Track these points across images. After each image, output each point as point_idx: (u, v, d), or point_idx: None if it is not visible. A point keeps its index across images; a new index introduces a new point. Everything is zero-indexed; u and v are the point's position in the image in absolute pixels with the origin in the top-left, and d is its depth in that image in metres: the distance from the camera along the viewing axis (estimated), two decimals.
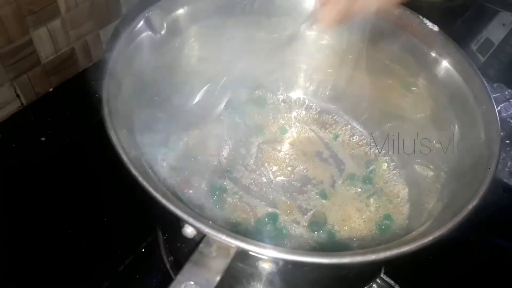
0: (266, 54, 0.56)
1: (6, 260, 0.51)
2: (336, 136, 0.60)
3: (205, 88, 0.57)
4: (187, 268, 0.29)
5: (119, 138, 0.33)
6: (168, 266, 0.51)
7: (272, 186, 0.55)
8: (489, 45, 0.86)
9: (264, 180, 0.55)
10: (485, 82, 0.71)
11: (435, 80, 0.48)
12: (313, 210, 0.53)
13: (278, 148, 0.59)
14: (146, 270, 0.52)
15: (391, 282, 0.50)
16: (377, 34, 0.51)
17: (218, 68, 0.55)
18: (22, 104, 0.67)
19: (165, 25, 0.46)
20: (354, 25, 0.52)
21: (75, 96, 0.68)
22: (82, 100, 0.60)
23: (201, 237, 0.30)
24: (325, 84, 0.60)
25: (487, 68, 0.83)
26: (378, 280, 0.50)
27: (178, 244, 0.42)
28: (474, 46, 0.85)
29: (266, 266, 0.31)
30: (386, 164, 0.57)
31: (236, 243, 0.29)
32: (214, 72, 0.56)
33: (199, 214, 0.30)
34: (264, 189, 0.54)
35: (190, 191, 0.50)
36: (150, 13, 0.44)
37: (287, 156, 0.58)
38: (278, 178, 0.56)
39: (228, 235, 0.29)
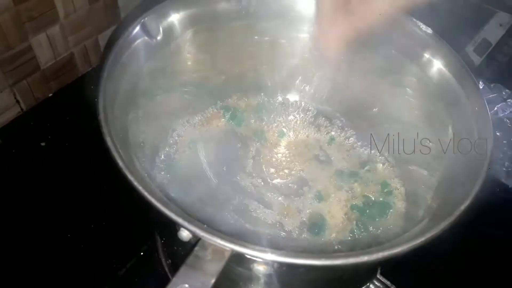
0: (261, 57, 0.57)
1: (7, 264, 0.52)
2: (332, 139, 0.61)
3: (201, 92, 0.58)
4: (183, 271, 0.30)
5: (115, 143, 0.34)
6: (166, 269, 0.52)
7: (269, 188, 0.55)
8: (486, 46, 0.86)
9: (261, 182, 0.56)
10: (481, 83, 0.71)
11: (428, 82, 0.48)
12: (310, 211, 0.53)
13: (275, 150, 0.59)
14: (145, 273, 0.53)
15: (387, 282, 0.50)
16: (371, 37, 0.51)
17: (215, 72, 0.56)
18: (22, 109, 0.67)
19: (161, 30, 0.46)
20: None
21: (75, 101, 0.69)
22: (81, 105, 0.60)
23: (196, 240, 0.31)
24: (321, 86, 0.61)
25: (484, 69, 0.83)
26: (374, 281, 0.50)
27: (175, 247, 0.42)
28: (471, 47, 0.85)
29: (261, 269, 0.32)
30: (381, 165, 0.57)
31: (231, 246, 0.29)
32: (210, 76, 0.57)
33: (194, 217, 0.31)
34: (262, 191, 0.55)
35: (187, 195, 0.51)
36: (146, 18, 0.44)
37: (284, 158, 0.59)
38: (275, 181, 0.56)
39: (222, 238, 0.29)
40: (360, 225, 0.51)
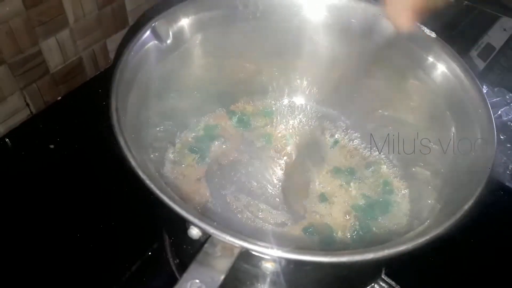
0: (268, 61, 0.58)
1: (17, 263, 0.52)
2: (336, 142, 0.61)
3: (210, 95, 0.58)
4: (193, 267, 0.30)
5: (127, 143, 0.34)
6: (174, 268, 0.52)
7: (276, 190, 0.56)
8: (490, 50, 0.87)
9: (267, 184, 0.56)
10: (484, 87, 0.72)
11: (432, 85, 0.49)
12: (315, 212, 0.54)
13: (281, 153, 0.60)
14: (153, 273, 0.53)
15: (392, 283, 0.51)
16: (377, 41, 0.52)
17: (223, 76, 0.57)
18: (31, 112, 0.68)
19: (171, 34, 0.47)
20: (352, 29, 0.53)
21: (83, 104, 0.70)
22: (90, 108, 0.62)
23: (206, 237, 0.32)
24: (326, 90, 0.61)
25: (488, 73, 0.84)
26: (379, 281, 0.50)
27: (184, 246, 0.43)
28: (475, 51, 0.85)
29: (269, 266, 0.32)
30: (385, 166, 0.58)
31: (240, 243, 0.30)
32: (218, 79, 0.58)
33: (204, 215, 0.31)
34: (269, 193, 0.56)
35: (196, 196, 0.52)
36: (156, 23, 0.45)
37: (290, 161, 0.59)
38: (282, 182, 0.57)
39: (232, 235, 0.30)
40: (363, 225, 0.51)
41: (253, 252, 0.31)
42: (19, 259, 0.53)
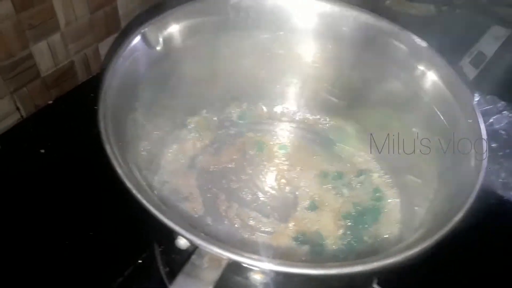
0: (259, 68, 0.58)
1: (4, 269, 0.52)
2: (329, 148, 0.61)
3: (201, 103, 0.58)
4: (180, 279, 0.30)
5: (114, 151, 0.34)
6: (164, 277, 0.52)
7: (267, 197, 0.56)
8: (482, 58, 0.87)
9: (258, 191, 0.56)
10: (476, 95, 0.72)
11: (423, 94, 0.49)
12: (305, 220, 0.54)
13: (273, 160, 0.60)
14: (143, 281, 0.53)
15: None
16: (367, 47, 0.52)
17: (213, 82, 0.57)
18: (22, 116, 0.68)
19: (161, 41, 0.47)
20: (344, 38, 0.53)
21: (75, 109, 0.69)
22: (81, 113, 0.61)
23: (193, 248, 0.31)
24: (318, 96, 0.61)
25: (480, 81, 0.84)
26: None
27: (173, 256, 0.42)
28: (467, 59, 0.86)
29: (258, 277, 0.32)
30: (377, 175, 0.58)
31: (227, 254, 0.29)
32: (209, 86, 0.57)
33: (192, 225, 0.31)
34: (260, 200, 0.55)
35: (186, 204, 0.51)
36: (146, 29, 0.45)
37: (282, 167, 0.59)
38: (273, 190, 0.57)
39: (219, 247, 0.29)
40: (355, 234, 0.51)
41: (242, 264, 0.30)
42: (7, 265, 0.52)
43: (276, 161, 0.60)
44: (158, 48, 0.47)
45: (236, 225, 0.52)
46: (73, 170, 0.62)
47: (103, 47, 0.74)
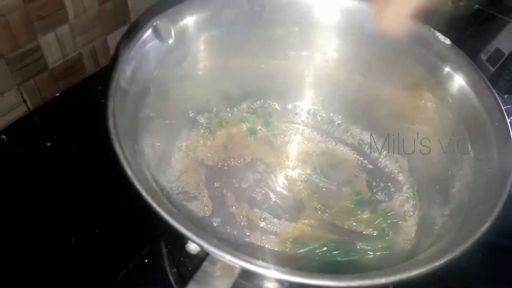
0: (274, 64, 0.56)
1: (9, 264, 0.51)
2: (341, 148, 0.60)
3: (212, 99, 0.57)
4: (191, 287, 0.29)
5: (123, 150, 0.32)
6: (171, 277, 0.50)
7: (278, 198, 0.54)
8: (499, 55, 0.85)
9: (270, 192, 0.55)
10: (497, 97, 0.70)
11: (448, 96, 0.47)
12: (317, 225, 0.52)
13: (286, 159, 0.58)
14: (149, 281, 0.52)
15: None
16: (387, 45, 0.50)
17: (226, 78, 0.55)
18: (28, 108, 0.67)
19: (173, 34, 0.45)
20: (364, 35, 0.51)
21: (82, 102, 0.69)
22: (88, 106, 0.60)
23: (205, 254, 0.30)
24: (334, 95, 0.60)
25: (497, 79, 0.82)
26: None
27: (181, 258, 0.41)
28: (484, 56, 0.84)
29: (271, 286, 0.30)
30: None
31: (241, 263, 0.28)
32: (222, 81, 0.56)
33: (203, 231, 0.29)
34: (271, 201, 0.54)
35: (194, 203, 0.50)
36: (158, 22, 0.43)
37: (294, 167, 0.58)
38: (284, 191, 0.55)
39: (232, 255, 0.28)
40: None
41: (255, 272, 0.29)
42: (11, 259, 0.51)
43: (288, 160, 0.58)
44: (170, 41, 0.45)
45: (245, 227, 0.51)
46: (79, 164, 0.61)
47: (112, 40, 0.73)
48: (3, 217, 0.55)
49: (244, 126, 0.60)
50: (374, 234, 0.51)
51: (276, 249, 0.48)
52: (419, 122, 0.51)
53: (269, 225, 0.51)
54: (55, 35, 0.63)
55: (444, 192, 0.46)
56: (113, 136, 0.33)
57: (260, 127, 0.60)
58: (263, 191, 0.54)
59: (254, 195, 0.54)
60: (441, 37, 0.46)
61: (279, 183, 0.56)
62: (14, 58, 0.60)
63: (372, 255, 0.48)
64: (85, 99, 0.68)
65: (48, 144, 0.63)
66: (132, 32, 0.43)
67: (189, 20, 0.47)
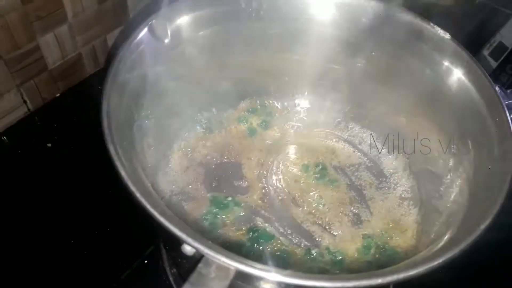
0: (272, 61, 0.55)
1: (9, 265, 0.51)
2: (342, 146, 0.59)
3: (210, 98, 0.56)
4: None
5: (118, 152, 0.32)
6: (171, 278, 0.50)
7: (277, 198, 0.54)
8: (502, 49, 0.84)
9: (269, 193, 0.54)
10: (498, 91, 0.69)
11: (447, 91, 0.46)
12: (315, 221, 0.52)
13: (285, 157, 0.58)
14: (149, 282, 0.52)
15: None
16: (387, 40, 0.49)
17: (224, 77, 0.55)
18: (29, 109, 0.67)
19: (169, 33, 0.45)
20: (362, 31, 0.51)
21: (82, 102, 0.68)
22: (89, 106, 0.60)
23: (200, 255, 0.29)
24: (333, 92, 0.59)
25: (500, 73, 0.81)
26: None
27: (179, 259, 0.41)
28: (486, 51, 0.83)
29: (267, 287, 0.30)
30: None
31: (236, 265, 0.27)
32: (219, 80, 0.55)
33: (198, 233, 0.29)
34: (269, 201, 0.54)
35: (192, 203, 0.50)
36: (154, 20, 0.43)
37: (294, 167, 0.57)
38: (284, 190, 0.55)
39: (227, 256, 0.28)
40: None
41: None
42: (11, 260, 0.52)
43: (288, 159, 0.58)
44: (166, 40, 0.45)
45: (243, 228, 0.50)
46: (79, 166, 0.61)
47: (112, 39, 0.72)
48: (4, 218, 0.55)
49: (243, 126, 0.60)
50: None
51: (273, 250, 0.48)
52: (419, 118, 0.51)
53: (266, 227, 0.51)
54: (54, 35, 0.63)
55: (445, 189, 0.45)
56: (107, 137, 0.33)
57: (259, 126, 0.60)
58: (262, 192, 0.54)
59: (252, 196, 0.54)
60: (441, 32, 0.46)
61: (279, 182, 0.55)
62: (14, 59, 0.60)
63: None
64: (85, 99, 0.68)
65: (49, 145, 0.63)
66: (128, 31, 0.43)
67: (185, 19, 0.46)
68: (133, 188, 0.31)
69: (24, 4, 0.56)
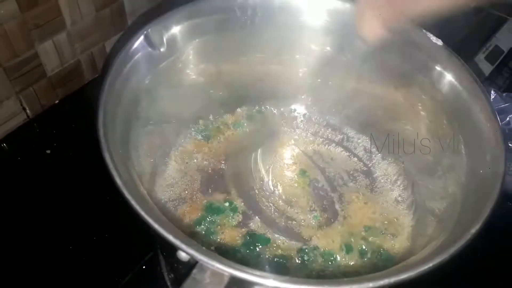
0: (267, 68, 0.56)
1: (8, 271, 0.51)
2: (338, 150, 0.60)
3: (207, 105, 0.57)
4: None
5: (113, 160, 0.33)
6: (168, 283, 0.51)
7: (272, 205, 0.54)
8: (498, 53, 0.84)
9: (263, 199, 0.55)
10: (492, 92, 0.69)
11: (439, 95, 0.47)
12: (311, 229, 0.52)
13: (282, 163, 0.59)
14: (147, 285, 0.52)
15: None
16: (380, 47, 0.50)
17: (220, 84, 0.55)
18: (28, 116, 0.67)
19: (165, 41, 0.45)
20: (356, 37, 0.51)
21: (81, 108, 0.68)
22: (88, 112, 0.60)
23: (195, 261, 0.30)
24: (328, 98, 0.60)
25: (496, 77, 0.81)
26: None
27: (175, 265, 0.41)
28: (482, 54, 0.83)
29: None
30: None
31: (229, 271, 0.28)
32: (215, 87, 0.56)
33: (193, 238, 0.30)
34: (264, 206, 0.54)
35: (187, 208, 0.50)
36: (150, 29, 0.44)
37: (290, 172, 0.58)
38: (281, 196, 0.55)
39: (220, 262, 0.28)
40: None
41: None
42: (10, 266, 0.52)
43: (285, 164, 0.59)
44: (162, 49, 0.45)
45: (239, 232, 0.51)
46: (78, 172, 0.61)
47: (110, 46, 0.73)
48: (4, 224, 0.55)
49: (240, 131, 0.60)
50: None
51: (269, 254, 0.48)
52: (413, 124, 0.51)
53: (261, 231, 0.51)
54: (53, 42, 0.63)
55: (438, 194, 0.46)
56: (103, 146, 0.33)
57: (256, 132, 0.60)
58: (258, 198, 0.54)
59: (248, 202, 0.54)
60: (433, 38, 0.46)
61: (275, 187, 0.56)
62: (12, 66, 0.60)
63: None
64: (84, 106, 0.67)
65: (48, 151, 0.63)
66: (125, 39, 0.43)
67: (181, 27, 0.47)
68: (128, 195, 0.31)
69: (22, 12, 0.57)
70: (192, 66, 0.51)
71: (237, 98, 0.59)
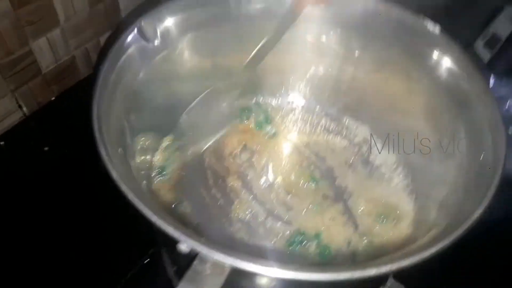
0: (267, 59, 0.55)
1: (7, 270, 0.51)
2: (337, 140, 0.60)
3: (200, 97, 0.56)
4: (182, 287, 0.29)
5: (109, 153, 0.33)
6: (172, 276, 0.51)
7: (274, 197, 0.54)
8: (497, 40, 0.84)
9: (261, 193, 0.55)
10: (491, 78, 0.69)
11: (437, 81, 0.46)
12: (308, 221, 0.52)
13: (279, 155, 0.58)
14: (150, 280, 0.52)
15: (401, 286, 0.48)
16: (377, 36, 0.49)
17: (214, 76, 0.55)
18: (24, 114, 0.67)
19: (158, 35, 0.45)
20: (353, 26, 0.51)
21: (77, 104, 0.67)
22: (84, 108, 0.60)
23: (195, 253, 0.30)
24: (327, 87, 0.59)
25: (495, 64, 0.81)
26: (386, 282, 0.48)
27: (177, 257, 0.41)
28: (481, 42, 0.83)
29: (264, 282, 0.30)
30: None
31: (230, 261, 0.28)
32: (210, 80, 0.55)
33: (193, 230, 0.29)
34: (261, 200, 0.54)
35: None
36: (143, 22, 0.43)
37: (287, 166, 0.58)
38: (280, 188, 0.55)
39: (221, 252, 0.28)
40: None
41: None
42: (10, 264, 0.52)
43: (282, 157, 0.58)
44: (156, 42, 0.45)
45: (234, 227, 0.51)
46: (77, 168, 0.61)
47: (105, 41, 0.72)
48: (2, 222, 0.55)
49: (237, 124, 0.60)
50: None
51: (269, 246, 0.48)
52: (412, 112, 0.51)
53: (257, 225, 0.51)
54: (47, 39, 0.63)
55: (439, 181, 0.45)
56: (98, 140, 0.33)
57: (253, 124, 0.60)
58: (252, 192, 0.54)
59: (244, 196, 0.54)
60: (430, 25, 0.46)
61: (274, 179, 0.56)
62: (7, 64, 0.60)
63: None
64: (81, 102, 0.66)
65: (46, 148, 0.63)
66: (117, 34, 0.43)
67: (175, 20, 0.46)
68: (125, 188, 0.31)
69: (15, 10, 0.56)
70: (186, 59, 0.50)
71: (232, 90, 0.59)
